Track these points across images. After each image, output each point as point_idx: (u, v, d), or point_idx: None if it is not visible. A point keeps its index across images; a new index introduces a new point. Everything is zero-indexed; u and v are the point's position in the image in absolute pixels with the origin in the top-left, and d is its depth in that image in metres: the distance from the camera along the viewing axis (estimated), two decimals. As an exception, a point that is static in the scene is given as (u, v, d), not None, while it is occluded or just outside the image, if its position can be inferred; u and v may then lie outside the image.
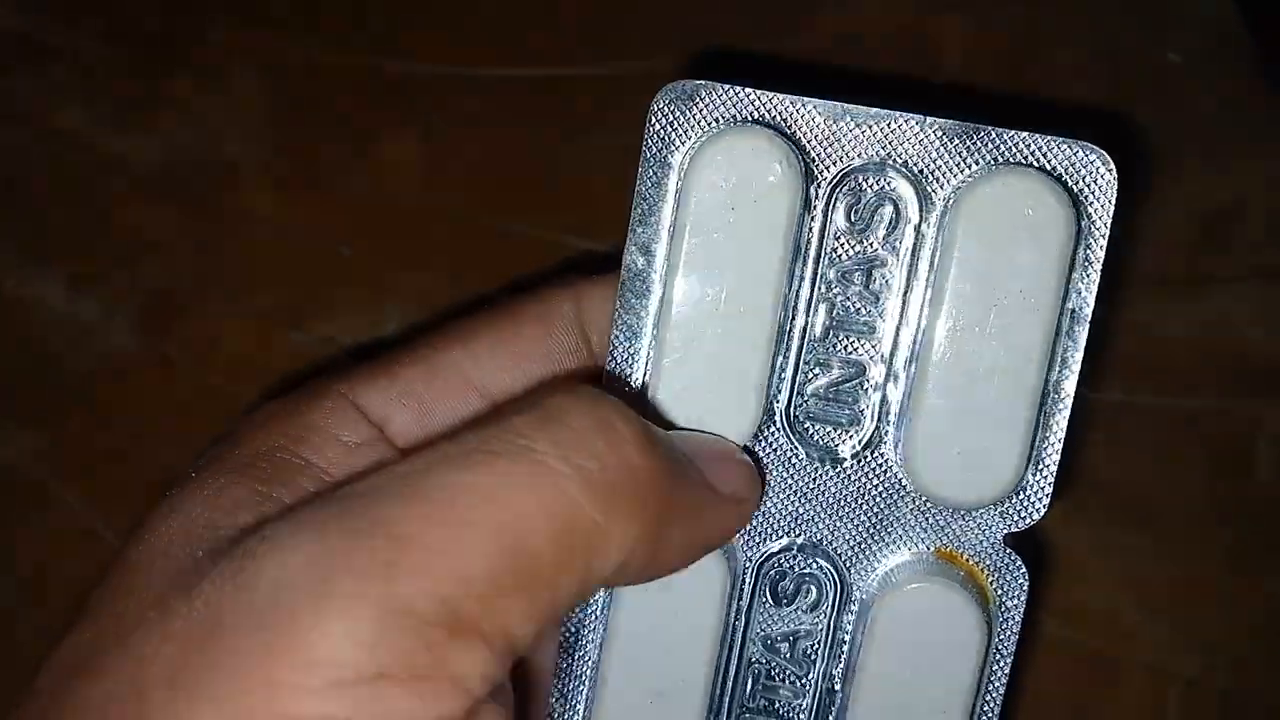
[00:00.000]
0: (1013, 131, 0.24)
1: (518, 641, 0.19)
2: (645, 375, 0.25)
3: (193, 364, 0.38)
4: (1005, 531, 0.25)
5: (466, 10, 0.39)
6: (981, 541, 0.25)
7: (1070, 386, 0.24)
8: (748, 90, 0.24)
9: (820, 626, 0.26)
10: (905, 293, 0.25)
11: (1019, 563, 0.25)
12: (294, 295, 0.38)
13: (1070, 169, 0.24)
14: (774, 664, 0.26)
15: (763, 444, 0.25)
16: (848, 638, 0.26)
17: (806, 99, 0.24)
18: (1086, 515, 0.36)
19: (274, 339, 0.38)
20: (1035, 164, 0.24)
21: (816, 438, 0.25)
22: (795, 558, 0.25)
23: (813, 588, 0.26)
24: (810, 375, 0.25)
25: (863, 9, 0.38)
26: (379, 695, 0.18)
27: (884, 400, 0.25)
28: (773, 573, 0.26)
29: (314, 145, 0.39)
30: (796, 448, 0.25)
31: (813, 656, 0.26)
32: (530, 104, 0.38)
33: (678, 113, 0.24)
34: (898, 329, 0.25)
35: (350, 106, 0.39)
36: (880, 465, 0.25)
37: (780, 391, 0.25)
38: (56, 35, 0.40)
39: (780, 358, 0.25)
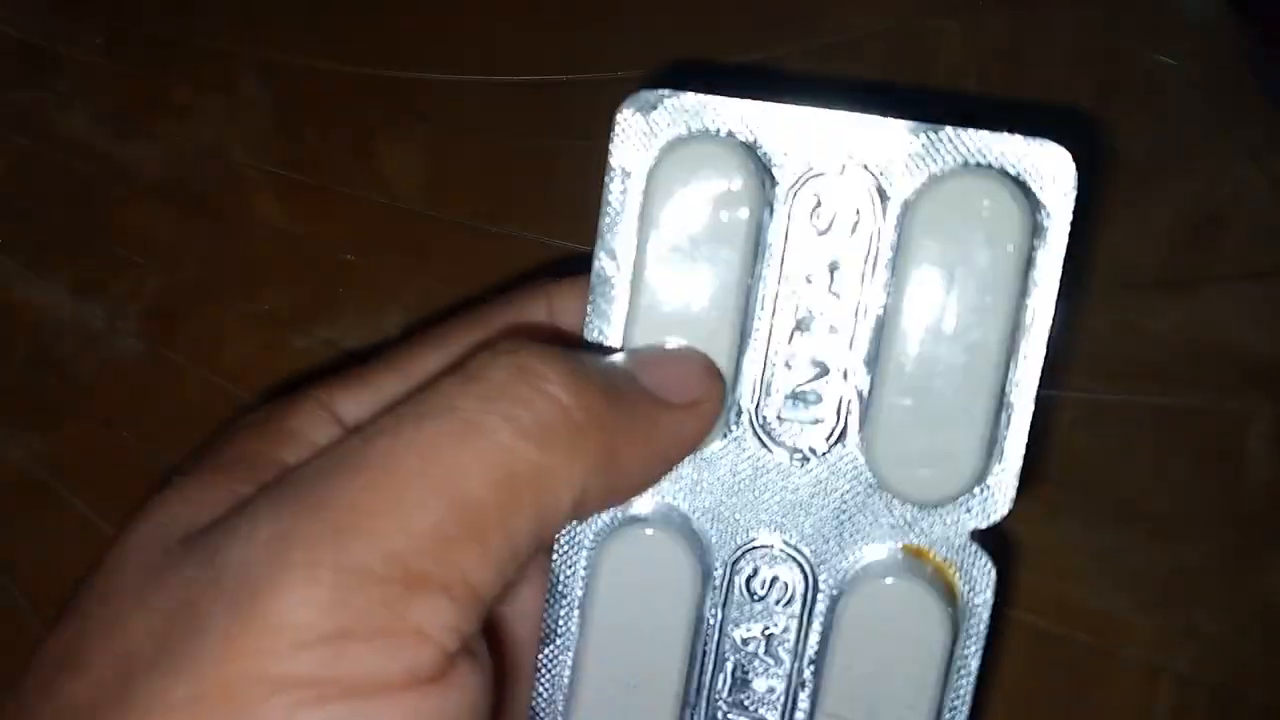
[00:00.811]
0: (971, 130, 0.24)
1: (480, 588, 0.20)
2: (615, 377, 0.25)
3: (196, 368, 0.39)
4: (972, 527, 0.25)
5: (468, 16, 0.40)
6: (948, 537, 0.25)
7: (1031, 383, 0.25)
8: (708, 98, 0.25)
9: (791, 621, 0.26)
10: (866, 292, 0.25)
11: (985, 558, 0.25)
12: (297, 300, 0.39)
13: (1028, 167, 0.24)
14: (746, 658, 0.26)
15: (731, 444, 0.26)
16: (817, 633, 0.26)
17: (767, 104, 0.25)
18: (1078, 513, 0.36)
19: (277, 343, 0.39)
20: (993, 163, 0.24)
21: (784, 437, 0.26)
22: (766, 554, 0.26)
23: (784, 583, 0.26)
24: (776, 375, 0.25)
25: (855, 14, 0.38)
26: (342, 652, 0.19)
27: (848, 399, 0.25)
28: (746, 569, 0.26)
29: (317, 150, 0.39)
30: (765, 447, 0.26)
31: (784, 652, 0.26)
32: (532, 109, 0.39)
33: (640, 122, 0.25)
34: (860, 328, 0.25)
35: (353, 112, 0.40)
36: (846, 463, 0.25)
37: (747, 392, 0.25)
38: (60, 42, 0.40)
39: (746, 359, 0.25)
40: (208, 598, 0.19)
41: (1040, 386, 0.25)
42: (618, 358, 0.24)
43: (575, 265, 0.27)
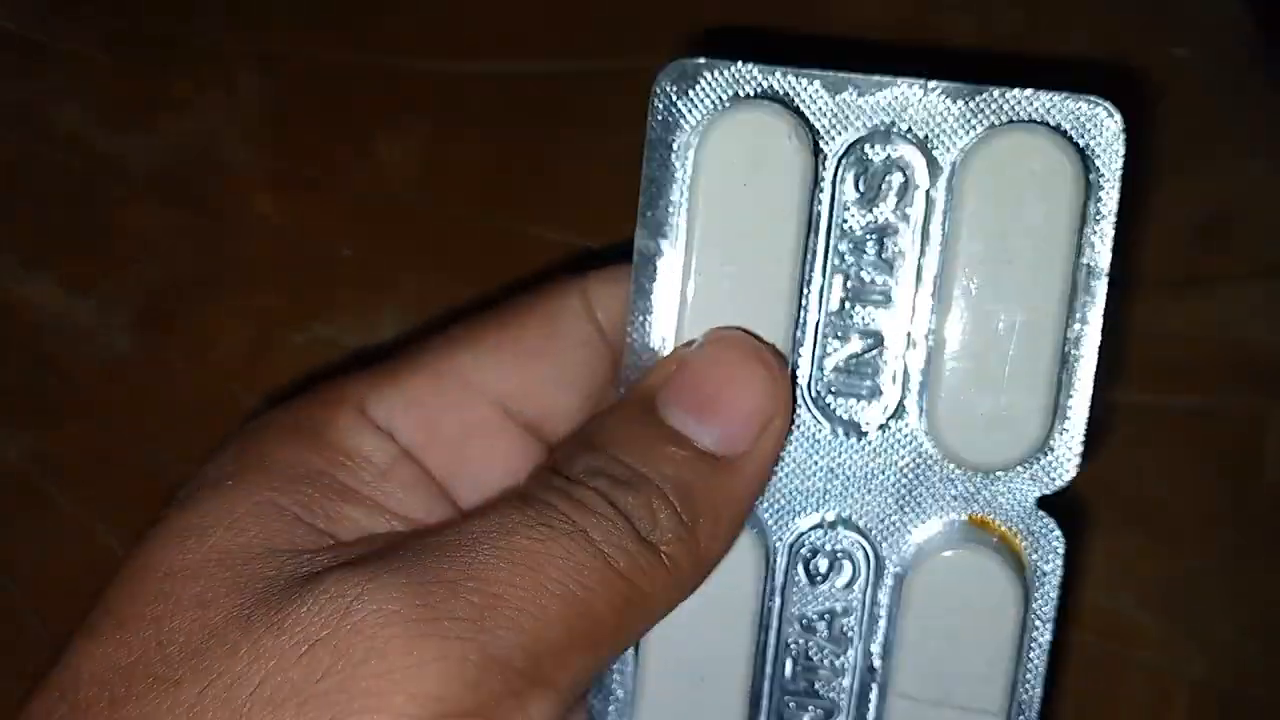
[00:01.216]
0: (1015, 90, 0.24)
1: (580, 689, 0.22)
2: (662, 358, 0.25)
3: (191, 366, 0.38)
4: (1038, 495, 0.25)
5: (466, 7, 0.39)
6: (1013, 506, 0.25)
7: (1092, 341, 0.24)
8: (749, 65, 0.24)
9: (856, 603, 0.25)
10: (919, 258, 0.24)
11: (1053, 526, 0.25)
12: (294, 296, 0.38)
13: (1075, 122, 0.24)
14: (812, 644, 0.25)
15: (786, 421, 0.25)
16: (884, 612, 0.25)
17: (809, 70, 0.24)
18: (1090, 515, 0.35)
19: (273, 340, 0.38)
20: (1039, 119, 0.24)
21: (839, 411, 0.25)
22: (826, 534, 0.25)
23: (846, 563, 0.25)
24: (829, 349, 0.25)
25: (865, 8, 0.38)
26: None
27: (905, 369, 0.25)
28: (804, 551, 0.25)
29: (313, 145, 0.39)
30: (820, 423, 0.25)
31: (850, 634, 0.25)
32: (530, 101, 0.38)
33: (680, 92, 0.24)
34: (914, 296, 0.25)
35: (350, 106, 0.39)
36: (905, 435, 0.25)
37: (800, 367, 0.25)
38: (55, 36, 0.39)
39: (798, 333, 0.25)
40: (341, 644, 0.19)
41: (1102, 348, 0.24)
42: (667, 404, 0.23)
43: (595, 260, 0.26)
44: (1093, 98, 0.24)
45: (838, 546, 0.25)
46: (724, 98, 0.24)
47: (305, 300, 0.38)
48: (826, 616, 0.25)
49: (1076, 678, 0.35)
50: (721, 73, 0.24)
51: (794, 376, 0.25)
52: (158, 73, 0.39)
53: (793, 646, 0.26)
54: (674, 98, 0.24)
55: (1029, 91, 0.24)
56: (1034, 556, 0.25)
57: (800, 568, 0.25)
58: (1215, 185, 0.37)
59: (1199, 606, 0.35)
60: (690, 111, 0.24)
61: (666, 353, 0.25)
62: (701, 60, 0.24)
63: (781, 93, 0.24)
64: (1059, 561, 0.25)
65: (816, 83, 0.24)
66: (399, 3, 0.39)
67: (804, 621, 0.25)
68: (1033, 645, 0.25)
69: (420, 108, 0.39)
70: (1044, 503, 0.25)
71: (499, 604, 0.20)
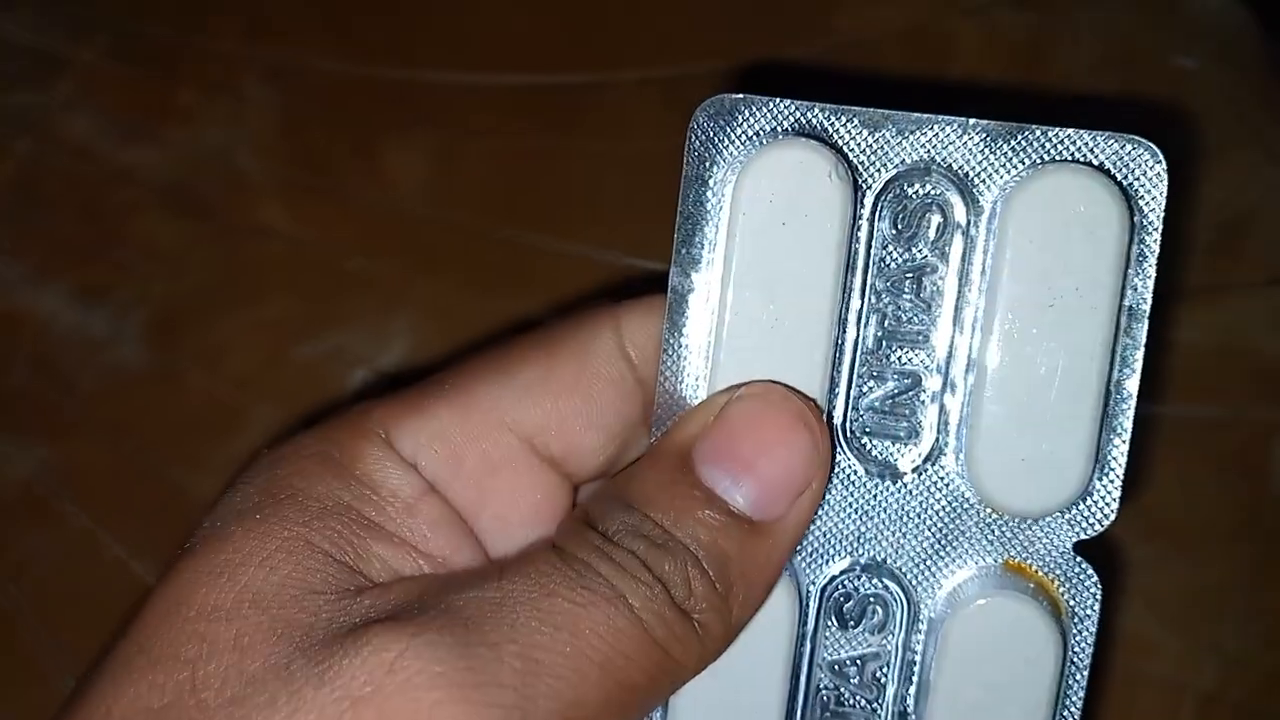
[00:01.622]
0: (1057, 129, 0.24)
1: None
2: (695, 398, 0.24)
3: (201, 377, 0.37)
4: (1074, 540, 0.24)
5: (475, 18, 0.39)
6: (1050, 551, 0.24)
7: (1133, 386, 0.24)
8: (788, 102, 0.24)
9: (889, 648, 0.25)
10: (958, 299, 0.24)
11: (1090, 571, 0.24)
12: (303, 307, 0.38)
13: (1119, 163, 0.23)
14: (844, 690, 0.25)
15: (820, 462, 0.24)
16: (918, 658, 0.25)
17: (846, 108, 0.24)
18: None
19: (283, 352, 0.37)
20: (1083, 160, 0.23)
21: (875, 453, 0.25)
22: (859, 578, 0.25)
23: (879, 608, 0.25)
24: (865, 389, 0.24)
25: (873, 16, 0.37)
26: None
27: (942, 410, 0.24)
28: (837, 595, 0.25)
29: (323, 154, 0.39)
30: (855, 464, 0.25)
31: (883, 680, 0.25)
32: (539, 112, 0.38)
33: (718, 129, 0.24)
34: (952, 336, 0.24)
35: (359, 116, 0.39)
36: (942, 478, 0.24)
37: (835, 407, 0.24)
38: (65, 47, 0.39)
39: (834, 372, 0.24)
40: (382, 702, 0.19)
41: (1142, 392, 0.24)
42: (704, 463, 0.23)
43: (633, 286, 0.26)
44: (1136, 138, 0.23)
45: (871, 591, 0.25)
46: (762, 134, 0.24)
47: (316, 311, 0.38)
48: (859, 662, 0.25)
49: (1088, 692, 0.35)
50: (759, 109, 0.24)
51: (830, 419, 0.24)
52: (168, 84, 0.39)
53: (825, 692, 0.25)
54: (711, 133, 0.24)
55: (1071, 131, 0.24)
56: (1071, 603, 0.24)
57: (832, 612, 0.25)
58: (1228, 194, 0.37)
59: (1211, 618, 0.35)
60: (728, 148, 0.24)
61: (701, 396, 0.24)
62: (740, 96, 0.24)
63: (820, 129, 0.24)
64: (1097, 608, 0.24)
65: (855, 120, 0.24)
66: (408, 14, 0.39)
67: (836, 667, 0.25)
68: (1070, 693, 0.24)
69: (430, 119, 0.38)
70: (1080, 547, 0.24)
71: (540, 670, 0.20)
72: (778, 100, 0.24)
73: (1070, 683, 0.24)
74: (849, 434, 0.24)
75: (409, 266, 0.38)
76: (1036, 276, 0.23)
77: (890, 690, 0.25)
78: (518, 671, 0.20)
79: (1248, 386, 0.36)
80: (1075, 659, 0.24)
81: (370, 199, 0.38)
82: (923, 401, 0.24)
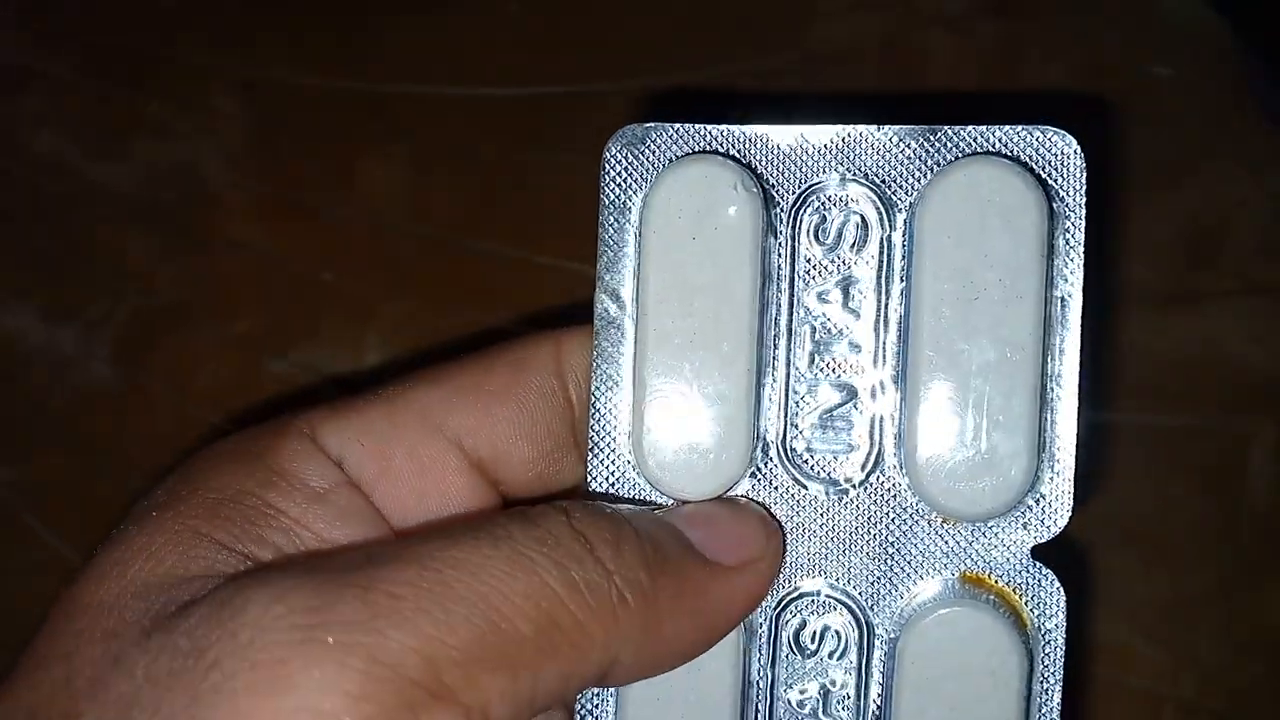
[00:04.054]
0: (970, 126, 0.23)
1: (493, 718, 0.19)
2: (629, 422, 0.24)
3: (172, 394, 0.37)
4: (1031, 543, 0.23)
5: (447, 32, 0.39)
6: (1008, 559, 0.23)
7: (1072, 376, 0.23)
8: (697, 126, 0.24)
9: (849, 675, 0.24)
10: (884, 303, 0.24)
11: (1051, 577, 0.23)
12: (275, 322, 0.37)
13: (1034, 153, 0.23)
14: (803, 719, 0.24)
15: (761, 483, 0.24)
16: (879, 684, 0.24)
17: (756, 126, 0.24)
18: (1079, 537, 0.34)
19: (254, 367, 0.37)
20: (995, 152, 0.23)
21: (816, 469, 0.24)
22: (812, 603, 0.24)
23: (836, 633, 0.24)
24: (801, 404, 0.24)
25: (845, 26, 0.37)
26: None
27: (880, 420, 0.24)
28: (793, 621, 0.24)
29: (295, 168, 0.38)
30: (798, 483, 0.24)
31: (844, 709, 0.24)
32: (511, 125, 0.38)
33: (630, 156, 0.24)
34: (883, 342, 0.24)
35: (330, 130, 0.38)
36: (887, 489, 0.24)
37: (772, 425, 0.24)
38: (33, 60, 0.39)
39: (769, 389, 0.24)
40: (226, 657, 0.18)
41: (1082, 383, 0.23)
42: (669, 513, 0.23)
43: (581, 311, 0.26)
44: (1050, 127, 0.23)
45: (826, 615, 0.24)
46: (671, 156, 0.24)
47: (287, 327, 0.37)
48: (818, 691, 0.24)
49: (1068, 704, 0.33)
50: (666, 133, 0.24)
51: (766, 438, 0.24)
52: (138, 97, 0.39)
53: (785, 725, 0.24)
54: (624, 161, 0.24)
55: (984, 126, 0.23)
56: (1035, 612, 0.23)
57: (788, 639, 0.24)
58: (1202, 202, 0.36)
59: (1190, 629, 0.33)
60: (641, 174, 0.24)
61: (630, 417, 0.24)
62: (650, 124, 0.24)
63: (728, 147, 0.24)
64: (1061, 616, 0.23)
65: (763, 133, 0.24)
66: (379, 28, 0.39)
67: (794, 698, 0.24)
68: (1042, 709, 0.23)
69: (401, 132, 0.38)
70: (1041, 552, 0.23)
71: (398, 605, 0.18)
72: (684, 125, 0.24)
73: (1040, 699, 0.23)
74: (789, 451, 0.24)
75: (381, 282, 0.37)
76: (958, 272, 0.23)
77: (851, 718, 0.24)
78: (367, 606, 0.18)
79: (1224, 396, 0.35)
80: (1044, 674, 0.23)
81: (342, 213, 0.38)
82: (861, 412, 0.24)
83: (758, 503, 0.24)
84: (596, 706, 0.24)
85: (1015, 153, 0.23)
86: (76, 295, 0.38)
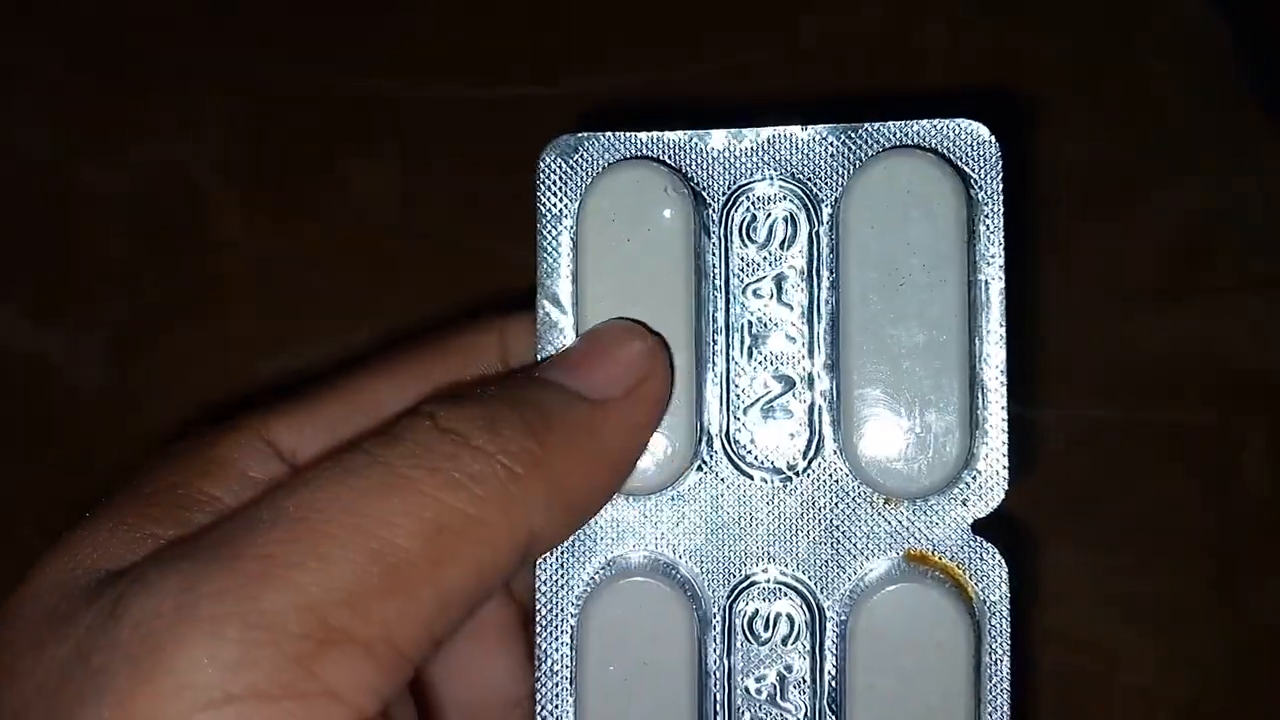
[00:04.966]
0: (890, 122, 0.24)
1: (405, 646, 0.19)
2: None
3: (161, 396, 0.36)
4: (971, 519, 0.24)
5: (437, 32, 0.39)
6: (949, 535, 0.24)
7: (999, 356, 0.24)
8: (628, 134, 0.25)
9: (803, 660, 0.24)
10: (815, 295, 0.24)
11: (993, 551, 0.24)
12: (264, 322, 0.37)
13: (950, 144, 0.24)
14: (762, 708, 0.24)
15: (708, 475, 0.24)
16: (833, 666, 0.24)
17: (685, 132, 0.25)
18: (1071, 534, 0.34)
19: (244, 367, 0.37)
20: (913, 145, 0.24)
21: (760, 459, 0.25)
22: (763, 590, 0.24)
23: (788, 619, 0.24)
24: (741, 396, 0.25)
25: (837, 19, 0.38)
26: (248, 716, 0.17)
27: (817, 407, 0.24)
28: (746, 609, 0.24)
29: (285, 168, 0.38)
30: (743, 473, 0.25)
31: (801, 693, 0.24)
32: (502, 123, 0.38)
33: (564, 165, 0.25)
34: (817, 332, 0.24)
35: (321, 129, 0.38)
36: (829, 474, 0.24)
37: (715, 418, 0.25)
38: (20, 58, 0.39)
39: (710, 384, 0.25)
40: (105, 652, 0.18)
41: (1009, 362, 0.24)
42: (547, 368, 0.23)
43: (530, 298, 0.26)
44: (965, 120, 0.24)
45: (777, 601, 0.24)
46: (603, 164, 0.25)
47: (278, 327, 0.37)
48: (775, 677, 0.24)
49: (1059, 699, 0.33)
50: (598, 141, 0.25)
51: (708, 431, 0.24)
52: (128, 98, 0.39)
53: (742, 713, 0.24)
54: (558, 170, 0.25)
55: (902, 122, 0.24)
56: (979, 586, 0.24)
57: (741, 627, 0.24)
58: (1197, 199, 0.36)
59: (1186, 628, 0.34)
60: (575, 182, 0.25)
61: None
62: (582, 134, 0.25)
63: (657, 152, 0.25)
64: (1005, 588, 0.24)
65: (692, 137, 0.25)
66: (371, 27, 0.39)
67: (751, 685, 0.24)
68: (993, 678, 0.24)
69: (393, 130, 0.38)
70: (982, 527, 0.24)
71: (269, 566, 0.18)
72: (616, 133, 0.25)
73: (992, 668, 0.24)
74: (734, 444, 0.25)
75: (372, 281, 0.37)
76: (883, 260, 0.24)
77: (809, 704, 0.24)
78: (237, 573, 0.18)
79: (1220, 393, 0.35)
80: (992, 645, 0.24)
81: (333, 211, 0.38)
82: (799, 401, 0.25)
83: (629, 319, 0.24)
84: (557, 705, 0.24)
85: (933, 144, 0.24)
86: (65, 297, 0.38)
